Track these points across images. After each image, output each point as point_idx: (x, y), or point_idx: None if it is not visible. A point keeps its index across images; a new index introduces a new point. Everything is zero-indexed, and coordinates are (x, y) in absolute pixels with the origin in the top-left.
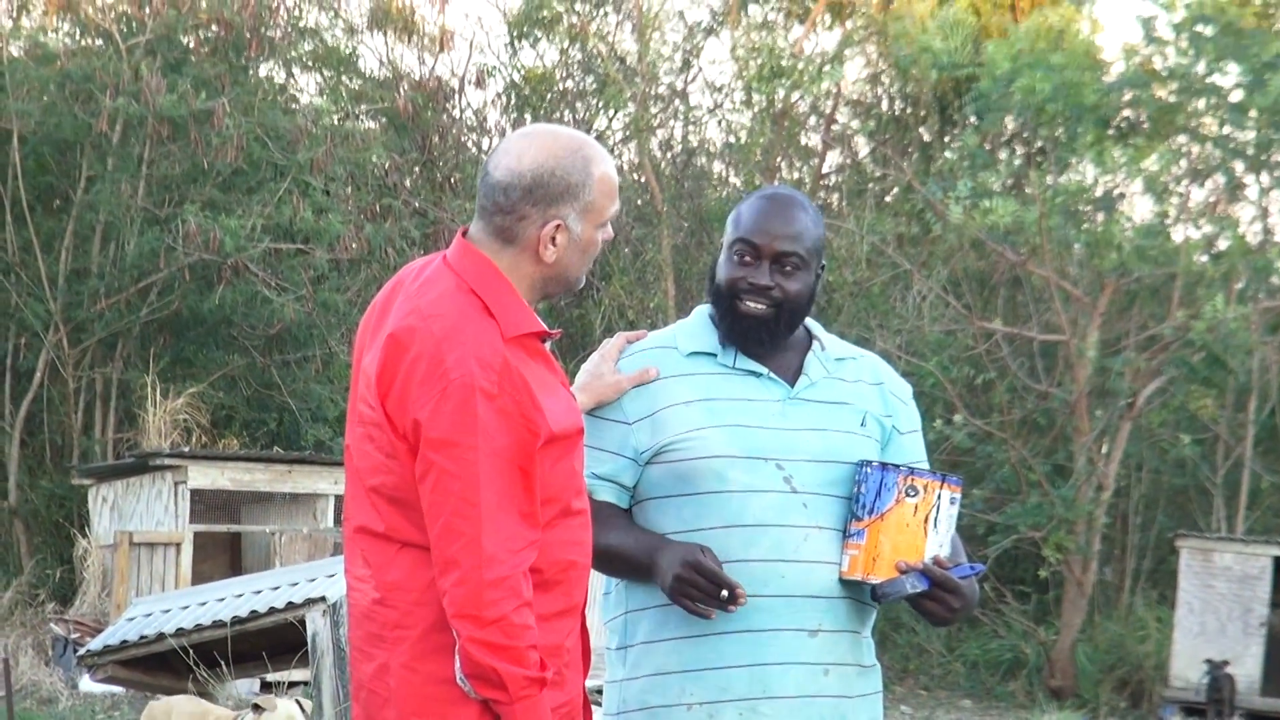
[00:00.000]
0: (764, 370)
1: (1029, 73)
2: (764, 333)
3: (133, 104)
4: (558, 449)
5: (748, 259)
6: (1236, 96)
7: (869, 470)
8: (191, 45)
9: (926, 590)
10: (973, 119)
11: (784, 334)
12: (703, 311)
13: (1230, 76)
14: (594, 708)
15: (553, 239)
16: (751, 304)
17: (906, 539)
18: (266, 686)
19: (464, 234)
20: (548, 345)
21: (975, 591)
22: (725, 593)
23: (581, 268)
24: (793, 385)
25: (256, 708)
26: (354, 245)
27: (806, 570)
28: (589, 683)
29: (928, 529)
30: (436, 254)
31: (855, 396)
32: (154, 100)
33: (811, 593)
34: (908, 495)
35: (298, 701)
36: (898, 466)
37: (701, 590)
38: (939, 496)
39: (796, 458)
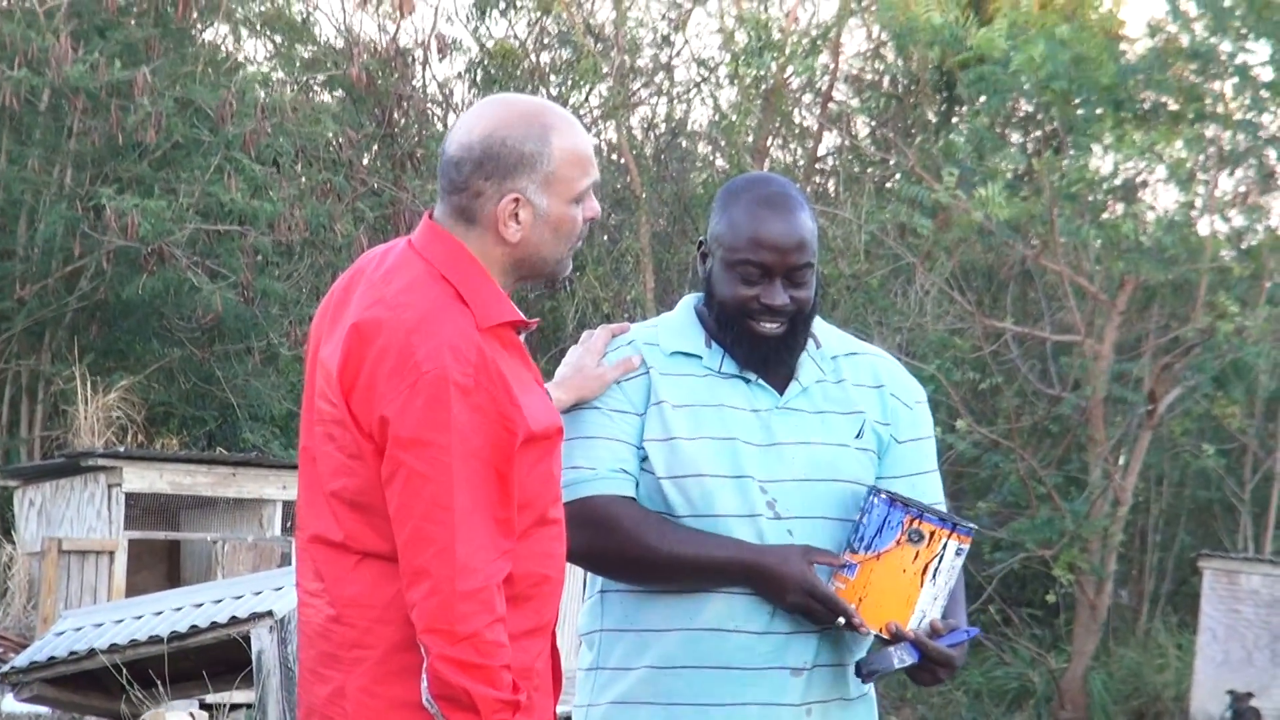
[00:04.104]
0: (752, 376)
1: (1027, 47)
2: (784, 352)
3: (37, 74)
4: (536, 451)
5: (755, 276)
6: (1266, 76)
7: (875, 501)
8: (120, 6)
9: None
10: (982, 98)
11: (803, 342)
12: (688, 305)
13: (1258, 54)
14: None
15: (515, 216)
16: (769, 326)
17: (899, 586)
18: (206, 709)
19: (430, 216)
20: (521, 337)
21: (965, 653)
22: (841, 620)
23: (557, 248)
24: (782, 393)
25: None
26: (291, 228)
27: None
28: (558, 708)
29: (924, 580)
30: (399, 239)
31: (851, 402)
32: (59, 70)
33: (797, 628)
34: (910, 540)
35: (190, 714)
36: (906, 506)
37: (818, 617)
38: (944, 546)
39: (780, 478)
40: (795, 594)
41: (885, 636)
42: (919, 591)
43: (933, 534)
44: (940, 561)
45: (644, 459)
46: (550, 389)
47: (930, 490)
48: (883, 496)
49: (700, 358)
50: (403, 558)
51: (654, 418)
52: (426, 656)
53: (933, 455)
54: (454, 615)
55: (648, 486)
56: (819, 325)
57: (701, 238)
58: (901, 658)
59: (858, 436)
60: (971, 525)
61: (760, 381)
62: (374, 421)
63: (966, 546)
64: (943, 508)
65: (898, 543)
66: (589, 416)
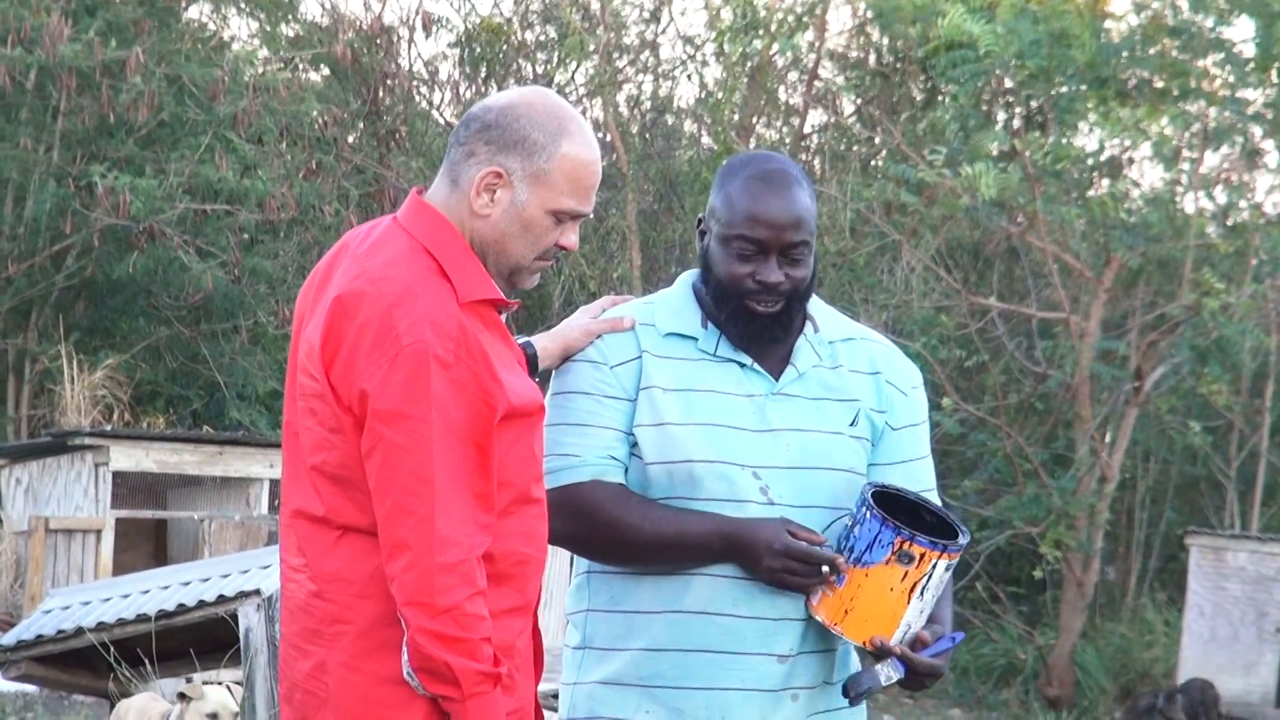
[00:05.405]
0: (748, 360)
1: (997, 21)
2: (778, 329)
3: (30, 54)
4: (517, 427)
5: (751, 252)
6: (1249, 52)
7: (867, 513)
8: None
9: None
10: (963, 80)
11: (797, 321)
12: (686, 283)
13: (1241, 30)
14: (548, 713)
15: (491, 190)
16: (764, 304)
17: (886, 602)
18: None
19: (419, 193)
20: (503, 318)
21: (950, 658)
22: (826, 568)
23: (521, 248)
24: (778, 378)
25: (182, 696)
26: (282, 206)
27: (780, 591)
28: (543, 686)
29: (912, 597)
30: (384, 217)
31: (847, 389)
32: (54, 49)
33: (784, 615)
34: (899, 560)
35: (228, 687)
36: (898, 527)
37: (800, 575)
38: (933, 567)
39: (774, 464)
40: (770, 556)
41: (869, 649)
42: (905, 608)
43: (923, 555)
44: (929, 580)
45: (634, 445)
46: (537, 339)
47: (923, 476)
48: (875, 512)
49: (695, 339)
50: (382, 531)
51: (645, 403)
52: (406, 629)
53: (926, 441)
54: (433, 588)
55: (637, 472)
56: (817, 308)
57: (701, 214)
58: (888, 674)
59: (852, 424)
60: (963, 542)
61: (755, 366)
62: (354, 395)
63: (956, 561)
64: (934, 496)
65: (887, 562)
66: (579, 403)
